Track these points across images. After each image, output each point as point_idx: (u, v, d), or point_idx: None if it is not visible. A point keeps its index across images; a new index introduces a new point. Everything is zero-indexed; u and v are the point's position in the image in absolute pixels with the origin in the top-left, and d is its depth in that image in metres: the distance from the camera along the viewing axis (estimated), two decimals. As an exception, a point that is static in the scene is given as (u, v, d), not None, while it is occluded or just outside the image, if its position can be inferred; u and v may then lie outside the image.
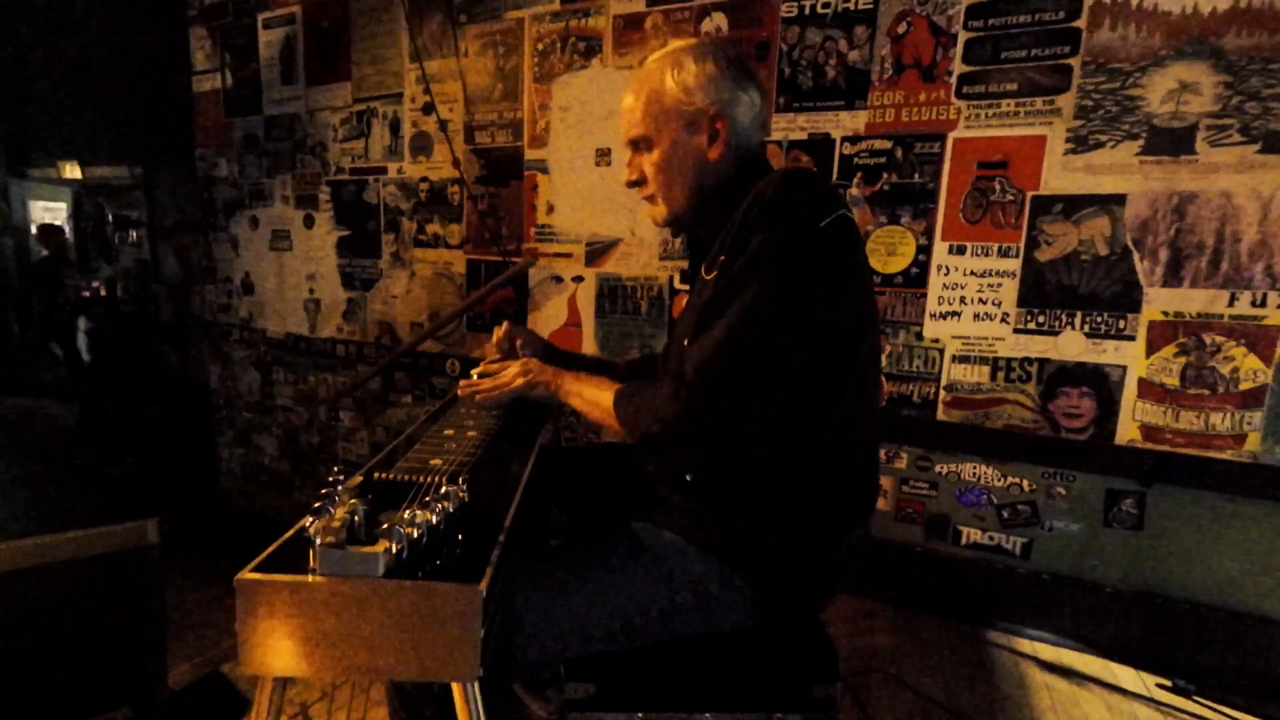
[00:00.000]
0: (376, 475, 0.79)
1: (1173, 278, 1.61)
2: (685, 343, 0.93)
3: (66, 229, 4.25)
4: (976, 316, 1.79)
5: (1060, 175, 1.67)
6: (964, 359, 1.82)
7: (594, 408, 1.03)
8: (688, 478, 0.94)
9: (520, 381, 1.12)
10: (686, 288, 2.10)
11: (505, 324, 1.36)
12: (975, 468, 1.85)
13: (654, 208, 1.06)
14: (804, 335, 0.83)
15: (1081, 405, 1.72)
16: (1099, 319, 1.68)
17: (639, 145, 1.03)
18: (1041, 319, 1.73)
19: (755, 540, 0.92)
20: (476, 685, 0.64)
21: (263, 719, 0.67)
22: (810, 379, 0.85)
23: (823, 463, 0.90)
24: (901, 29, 1.77)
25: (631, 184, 1.06)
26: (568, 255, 2.27)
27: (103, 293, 3.57)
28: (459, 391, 1.17)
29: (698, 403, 0.83)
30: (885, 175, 1.83)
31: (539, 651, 0.86)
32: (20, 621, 1.33)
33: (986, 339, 1.79)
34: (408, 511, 0.62)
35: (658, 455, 0.93)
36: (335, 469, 0.70)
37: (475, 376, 1.18)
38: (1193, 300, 1.60)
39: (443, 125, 2.41)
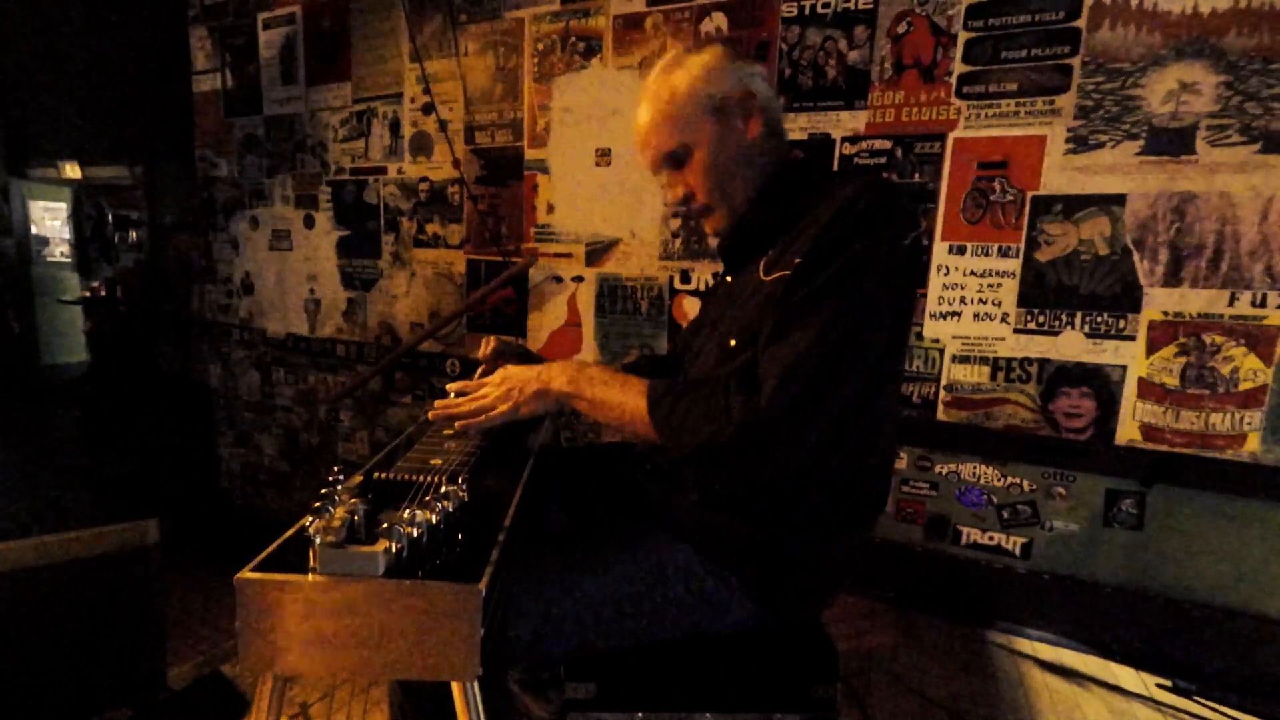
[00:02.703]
0: (376, 475, 0.79)
1: (1173, 278, 1.61)
2: (732, 343, 0.90)
3: (67, 230, 4.25)
4: (976, 316, 1.79)
5: (1060, 175, 1.67)
6: (964, 359, 1.82)
7: (612, 411, 0.91)
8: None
9: (504, 407, 0.96)
10: (688, 287, 2.10)
11: (492, 340, 1.22)
12: (975, 468, 1.85)
13: (711, 220, 1.00)
14: (878, 348, 0.84)
15: (1082, 405, 1.72)
16: (1099, 319, 1.68)
17: (676, 160, 0.97)
18: (1041, 319, 1.73)
19: (752, 541, 0.92)
20: (476, 684, 0.64)
21: (263, 719, 0.67)
22: (872, 388, 0.86)
23: (843, 467, 0.90)
24: (901, 29, 1.77)
25: (681, 204, 1.00)
26: (568, 255, 2.27)
27: (103, 293, 3.56)
28: (430, 415, 1.00)
29: (783, 402, 0.78)
30: (885, 175, 1.83)
31: (532, 636, 0.85)
32: (20, 621, 1.33)
33: (986, 339, 1.79)
34: (408, 511, 0.62)
35: (718, 464, 0.85)
36: (335, 469, 0.70)
37: (452, 395, 1.03)
38: (1193, 300, 1.60)
39: (443, 125, 2.41)
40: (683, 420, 0.84)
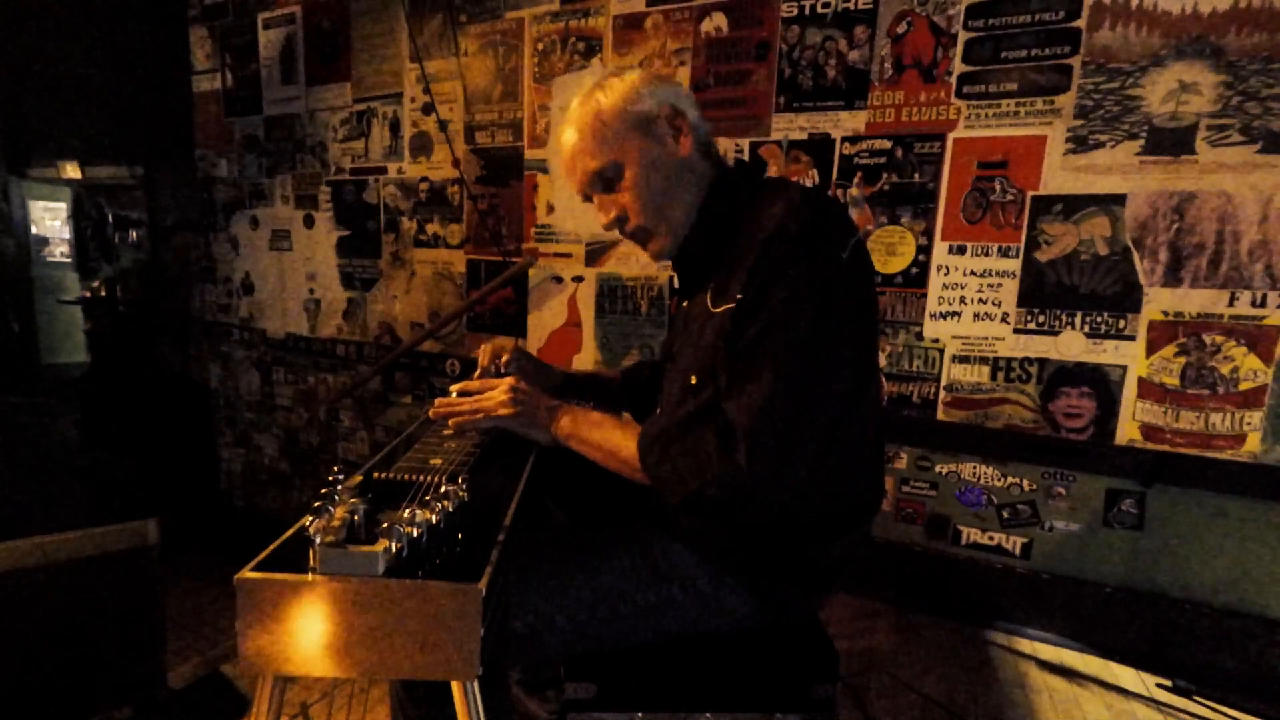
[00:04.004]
0: (376, 475, 0.79)
1: (1173, 278, 1.61)
2: (693, 379, 0.89)
3: (68, 230, 4.25)
4: (976, 316, 1.79)
5: (1060, 175, 1.67)
6: (964, 359, 1.82)
7: (608, 457, 0.94)
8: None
9: (506, 412, 0.98)
10: (686, 288, 2.09)
11: (494, 341, 1.23)
12: (975, 468, 1.85)
13: (652, 243, 0.98)
14: (841, 369, 0.83)
15: (1081, 405, 1.72)
16: (1099, 319, 1.68)
17: (605, 180, 0.95)
18: (1041, 319, 1.73)
19: (749, 542, 0.92)
20: (476, 684, 0.64)
21: (263, 719, 0.67)
22: (842, 405, 0.85)
23: (830, 471, 0.90)
24: (901, 29, 1.77)
25: (611, 225, 0.97)
26: (568, 255, 2.27)
27: (103, 293, 3.56)
28: (431, 413, 1.03)
29: (760, 459, 0.78)
30: (885, 175, 1.83)
31: (526, 632, 0.86)
32: (20, 621, 1.33)
33: (986, 339, 1.78)
34: (408, 511, 0.62)
35: (706, 514, 0.85)
36: (335, 469, 0.70)
37: (454, 394, 1.05)
38: (1193, 300, 1.60)
39: (443, 125, 2.41)
40: (670, 472, 0.85)
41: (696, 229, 0.97)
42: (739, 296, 0.83)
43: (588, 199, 0.99)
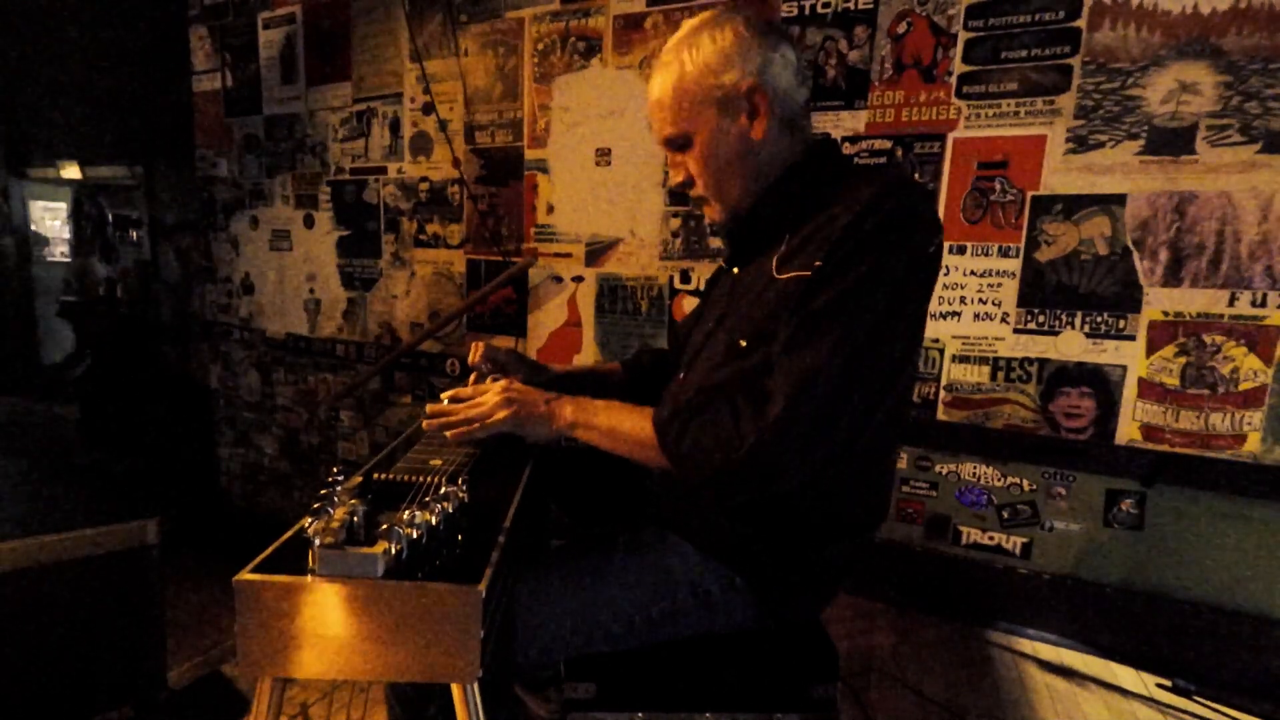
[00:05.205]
0: (376, 475, 0.79)
1: (1173, 278, 1.61)
2: (743, 343, 0.86)
3: (68, 230, 4.25)
4: (976, 316, 1.79)
5: (1060, 175, 1.67)
6: (964, 359, 1.82)
7: (621, 441, 0.90)
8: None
9: (503, 415, 0.93)
10: (688, 287, 2.09)
11: (481, 345, 1.16)
12: (975, 468, 1.85)
13: (707, 209, 0.98)
14: (892, 360, 0.82)
15: (1082, 405, 1.72)
16: (1099, 319, 1.67)
17: (677, 144, 0.94)
18: (1041, 319, 1.73)
19: (758, 544, 0.92)
20: (476, 686, 0.64)
21: (263, 719, 0.67)
22: (880, 396, 0.84)
23: (847, 474, 0.89)
24: (901, 29, 1.77)
25: (680, 186, 0.98)
26: (568, 255, 2.27)
27: (102, 293, 3.56)
28: (424, 423, 0.98)
29: (795, 425, 0.76)
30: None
31: (539, 652, 0.86)
32: (20, 621, 1.33)
33: (986, 339, 1.78)
34: (407, 512, 0.62)
35: (730, 488, 0.82)
36: (335, 469, 0.70)
37: (445, 401, 0.99)
38: (1193, 300, 1.59)
39: (443, 125, 2.40)
40: (692, 446, 0.82)
41: (766, 201, 0.94)
42: (817, 264, 0.80)
43: (663, 148, 1.00)
